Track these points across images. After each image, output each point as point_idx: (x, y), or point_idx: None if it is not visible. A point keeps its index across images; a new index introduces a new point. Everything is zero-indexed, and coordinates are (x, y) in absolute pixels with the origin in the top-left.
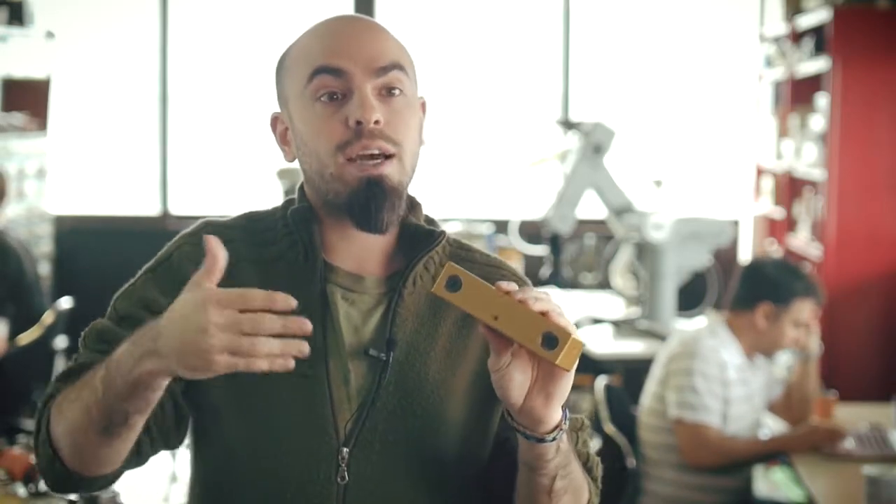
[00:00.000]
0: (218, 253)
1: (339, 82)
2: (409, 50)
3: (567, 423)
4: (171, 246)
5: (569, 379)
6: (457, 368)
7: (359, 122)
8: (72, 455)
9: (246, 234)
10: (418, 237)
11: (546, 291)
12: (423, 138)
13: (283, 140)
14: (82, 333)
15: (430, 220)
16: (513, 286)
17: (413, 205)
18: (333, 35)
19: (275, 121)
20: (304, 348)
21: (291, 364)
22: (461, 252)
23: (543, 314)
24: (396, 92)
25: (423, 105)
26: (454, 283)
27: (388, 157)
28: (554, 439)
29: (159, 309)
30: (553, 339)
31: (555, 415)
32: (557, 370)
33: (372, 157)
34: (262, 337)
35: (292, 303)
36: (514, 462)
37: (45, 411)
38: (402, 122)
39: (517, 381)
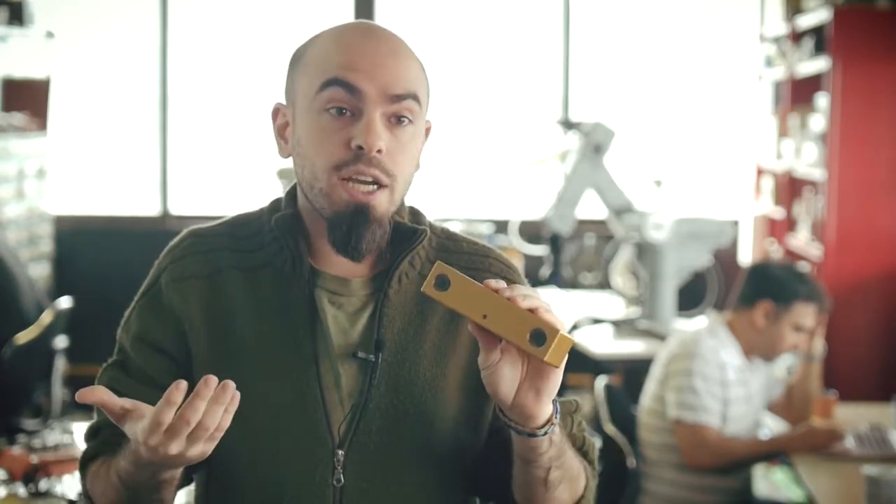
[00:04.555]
0: (108, 402)
1: (350, 99)
2: (427, 74)
3: (558, 416)
4: (158, 266)
5: (558, 375)
6: (447, 364)
7: (360, 147)
8: None
9: (231, 241)
10: (403, 235)
11: (534, 290)
12: (420, 163)
13: (280, 134)
14: (97, 377)
15: (414, 213)
16: (501, 283)
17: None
18: (355, 48)
19: (276, 112)
20: (236, 396)
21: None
22: (448, 242)
23: (532, 311)
24: (405, 121)
25: (429, 130)
26: (443, 282)
27: (380, 186)
28: (546, 433)
29: (155, 342)
30: (541, 335)
31: (545, 410)
32: (547, 366)
33: (364, 182)
34: (201, 422)
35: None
36: (510, 451)
37: (85, 480)
38: (403, 153)
39: (507, 377)
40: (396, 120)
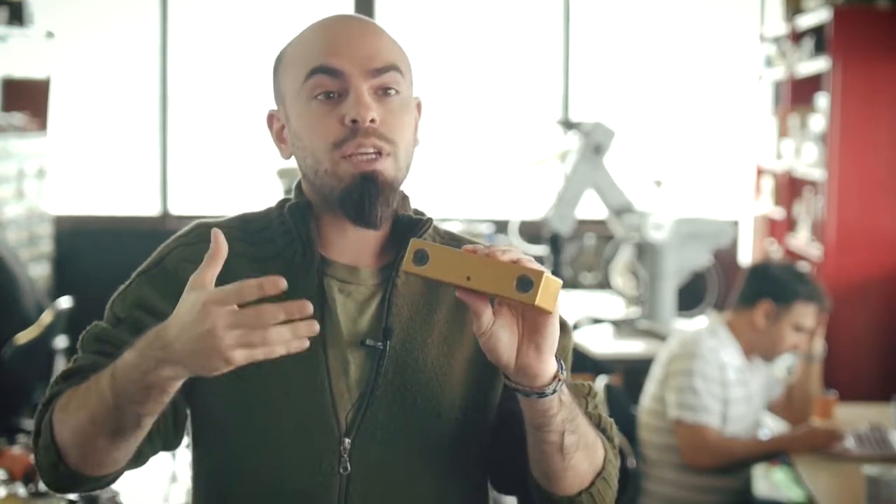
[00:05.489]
0: (222, 245)
1: (335, 82)
2: (405, 50)
3: (564, 372)
4: (164, 248)
5: (555, 325)
6: (454, 353)
7: (354, 121)
8: (78, 458)
9: (241, 233)
10: (408, 227)
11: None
12: (418, 138)
13: (279, 137)
14: (80, 336)
15: (417, 212)
16: (479, 246)
17: (402, 198)
18: (330, 35)
19: (271, 118)
20: (315, 327)
21: (306, 343)
22: (452, 242)
23: (514, 262)
24: (392, 92)
25: (419, 105)
26: (421, 257)
27: (383, 154)
28: (554, 391)
29: (155, 310)
30: (527, 281)
31: (549, 367)
32: (541, 317)
33: (366, 154)
34: (271, 327)
35: (282, 284)
36: (522, 434)
37: (47, 415)
38: (397, 121)
39: (505, 340)
40: (383, 92)
